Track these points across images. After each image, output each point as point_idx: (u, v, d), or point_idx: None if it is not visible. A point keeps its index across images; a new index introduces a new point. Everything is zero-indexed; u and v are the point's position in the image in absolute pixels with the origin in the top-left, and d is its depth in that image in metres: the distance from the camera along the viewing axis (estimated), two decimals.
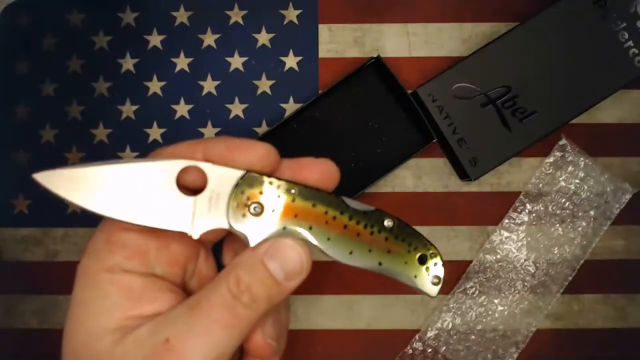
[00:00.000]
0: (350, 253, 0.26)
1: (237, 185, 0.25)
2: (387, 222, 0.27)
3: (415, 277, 0.27)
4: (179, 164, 0.25)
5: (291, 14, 0.44)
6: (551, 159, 0.43)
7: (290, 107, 0.43)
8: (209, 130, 0.43)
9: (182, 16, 0.44)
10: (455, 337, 0.41)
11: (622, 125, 0.43)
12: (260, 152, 0.26)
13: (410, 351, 0.41)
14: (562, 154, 0.43)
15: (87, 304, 0.25)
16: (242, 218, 0.25)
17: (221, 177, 0.25)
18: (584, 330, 0.42)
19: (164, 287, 0.26)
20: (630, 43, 0.40)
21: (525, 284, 0.42)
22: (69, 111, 0.43)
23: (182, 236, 0.26)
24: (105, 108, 0.43)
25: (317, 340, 0.42)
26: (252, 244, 0.25)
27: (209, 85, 0.43)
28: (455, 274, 0.42)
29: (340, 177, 0.27)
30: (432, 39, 0.43)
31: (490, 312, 0.42)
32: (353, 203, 0.26)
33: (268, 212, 0.25)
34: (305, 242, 0.26)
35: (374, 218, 0.26)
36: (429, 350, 0.41)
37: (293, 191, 0.26)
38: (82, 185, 0.24)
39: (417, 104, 0.40)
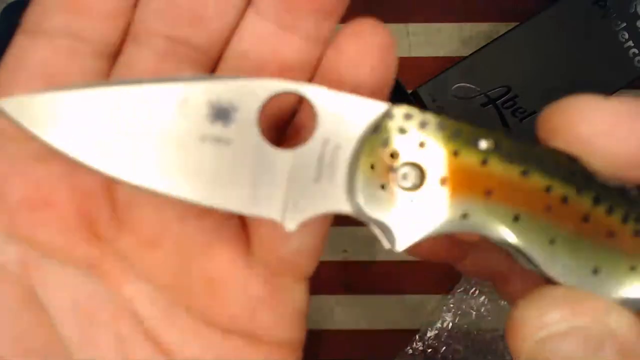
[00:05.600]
0: (595, 272, 0.13)
1: (374, 131, 0.14)
2: None
3: None
4: (268, 87, 0.14)
5: None
6: None
7: None
8: None
9: None
10: (455, 337, 0.41)
11: None
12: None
13: (410, 351, 0.41)
14: None
15: None
16: (382, 193, 0.14)
17: (343, 115, 0.14)
18: None
19: None
20: (630, 43, 0.40)
21: None
22: None
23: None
24: None
25: (317, 340, 0.42)
26: (400, 247, 0.14)
27: None
28: (456, 273, 0.42)
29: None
30: (432, 39, 0.43)
31: (490, 312, 0.42)
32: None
33: (433, 183, 0.14)
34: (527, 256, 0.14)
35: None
36: (429, 350, 0.41)
37: (484, 144, 0.14)
38: (68, 119, 0.14)
39: (417, 104, 0.40)
